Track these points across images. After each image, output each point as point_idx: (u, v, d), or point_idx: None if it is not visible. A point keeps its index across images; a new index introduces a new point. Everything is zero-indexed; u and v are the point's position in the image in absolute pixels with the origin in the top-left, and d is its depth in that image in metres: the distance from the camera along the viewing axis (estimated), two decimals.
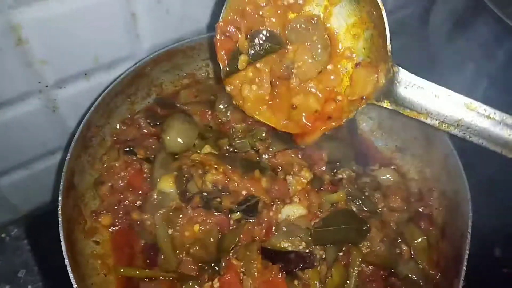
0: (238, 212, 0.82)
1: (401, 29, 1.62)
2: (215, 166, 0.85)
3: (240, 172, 0.84)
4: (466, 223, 0.80)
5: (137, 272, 0.83)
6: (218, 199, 0.84)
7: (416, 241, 0.86)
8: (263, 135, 0.93)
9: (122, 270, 0.84)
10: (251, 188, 0.84)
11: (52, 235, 0.76)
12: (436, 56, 1.29)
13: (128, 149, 0.91)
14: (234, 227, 0.82)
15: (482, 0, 1.05)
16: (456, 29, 1.26)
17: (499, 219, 1.07)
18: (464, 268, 0.76)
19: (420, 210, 0.91)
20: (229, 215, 0.82)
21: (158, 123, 0.96)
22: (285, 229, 0.82)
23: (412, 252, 0.86)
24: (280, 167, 0.90)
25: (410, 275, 0.83)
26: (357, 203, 0.86)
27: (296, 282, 0.78)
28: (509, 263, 1.10)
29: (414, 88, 0.76)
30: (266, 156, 0.90)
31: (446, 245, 0.86)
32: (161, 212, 0.81)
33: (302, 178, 0.84)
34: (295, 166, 0.87)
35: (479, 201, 0.97)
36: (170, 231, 0.81)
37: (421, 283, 0.83)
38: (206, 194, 0.84)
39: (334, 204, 0.85)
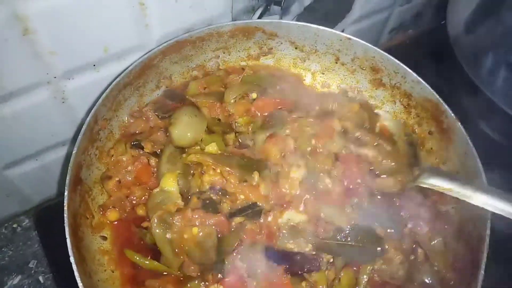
0: (240, 217, 0.81)
1: (419, 18, 1.58)
2: (213, 167, 0.83)
3: (237, 175, 0.83)
4: (484, 224, 0.76)
5: (140, 259, 0.82)
6: (217, 201, 0.82)
7: (432, 242, 0.83)
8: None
9: (126, 251, 0.83)
10: (250, 195, 0.82)
11: (62, 226, 0.75)
12: (455, 46, 1.25)
13: (135, 142, 0.90)
14: (233, 229, 0.81)
15: None
16: (476, 18, 1.21)
17: None
18: (482, 271, 0.73)
19: (436, 209, 0.88)
20: (230, 219, 0.81)
21: (166, 116, 0.94)
22: (288, 232, 0.80)
23: (427, 254, 0.83)
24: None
25: (425, 279, 0.80)
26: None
27: (304, 284, 0.76)
28: None
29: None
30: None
31: (463, 247, 0.83)
32: (159, 213, 0.79)
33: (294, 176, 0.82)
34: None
35: None
36: (168, 234, 0.79)
37: (437, 287, 0.80)
38: (205, 195, 0.83)
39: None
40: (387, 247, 0.80)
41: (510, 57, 1.11)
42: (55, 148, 1.09)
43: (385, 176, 0.91)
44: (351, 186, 0.87)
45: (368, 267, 0.79)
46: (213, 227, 0.79)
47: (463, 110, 1.10)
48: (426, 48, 1.50)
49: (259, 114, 0.96)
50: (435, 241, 0.83)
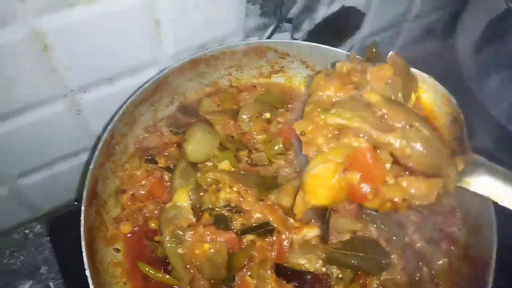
0: (252, 235, 0.83)
1: (428, 35, 1.60)
2: (230, 185, 0.85)
3: (255, 193, 0.84)
4: (490, 247, 0.78)
5: (152, 272, 0.83)
6: (229, 218, 0.84)
7: (437, 262, 0.85)
8: (278, 147, 0.92)
9: (139, 264, 0.84)
10: (268, 216, 0.83)
11: (73, 235, 0.77)
12: (463, 64, 1.27)
13: (149, 157, 0.92)
14: (244, 246, 0.82)
15: None
16: (485, 39, 1.23)
17: None
18: None
19: (443, 230, 0.89)
20: (241, 236, 0.83)
21: (180, 131, 0.96)
22: (300, 248, 0.82)
23: (432, 274, 0.84)
24: None
25: None
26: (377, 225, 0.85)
27: None
28: None
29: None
30: (285, 171, 0.90)
31: (468, 268, 0.84)
32: (171, 228, 0.81)
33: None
34: None
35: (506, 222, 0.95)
36: (180, 249, 0.81)
37: None
38: (218, 211, 0.84)
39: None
40: (390, 260, 0.81)
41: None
42: (68, 158, 1.11)
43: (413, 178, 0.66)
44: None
45: (375, 281, 0.80)
46: (224, 243, 0.81)
47: (468, 128, 1.12)
48: (434, 65, 1.52)
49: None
50: (441, 262, 0.85)
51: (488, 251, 0.77)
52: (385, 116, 0.66)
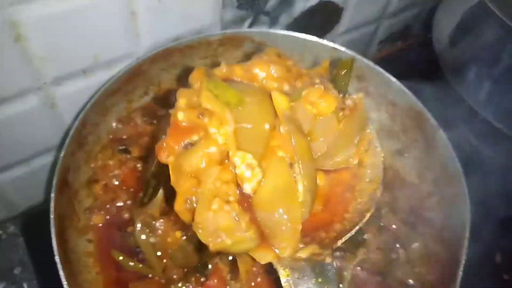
0: None
1: (405, 31, 1.62)
2: None
3: None
4: (464, 227, 0.78)
5: (125, 261, 0.82)
6: None
7: (413, 245, 0.85)
8: None
9: (113, 252, 0.82)
10: None
11: (48, 232, 0.75)
12: (440, 57, 1.28)
13: (122, 147, 0.91)
14: None
15: (485, 3, 1.04)
16: (459, 32, 1.25)
17: (500, 225, 1.05)
18: (460, 273, 0.74)
19: (419, 214, 0.90)
20: None
21: (154, 122, 0.96)
22: None
23: (408, 256, 0.84)
24: None
25: (405, 279, 0.81)
26: None
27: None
28: (510, 269, 1.08)
29: None
30: None
31: (444, 250, 0.84)
32: (142, 217, 0.80)
33: None
34: None
35: (480, 206, 0.96)
36: (152, 238, 0.80)
37: None
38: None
39: None
40: (365, 237, 0.80)
41: (491, 70, 1.14)
42: (43, 154, 1.09)
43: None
44: None
45: (352, 263, 0.80)
46: None
47: (448, 119, 1.13)
48: (414, 60, 1.54)
49: None
50: (417, 243, 0.85)
51: (462, 230, 0.78)
52: None
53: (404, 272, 0.82)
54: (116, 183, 0.89)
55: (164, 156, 0.54)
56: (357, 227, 0.56)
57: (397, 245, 0.84)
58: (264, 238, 0.50)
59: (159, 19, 1.02)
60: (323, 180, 0.59)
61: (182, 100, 0.57)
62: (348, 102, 0.60)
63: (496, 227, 1.03)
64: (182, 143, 0.53)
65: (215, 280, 0.76)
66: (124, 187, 0.89)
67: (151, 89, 1.03)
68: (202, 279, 0.77)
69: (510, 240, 1.10)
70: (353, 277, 0.79)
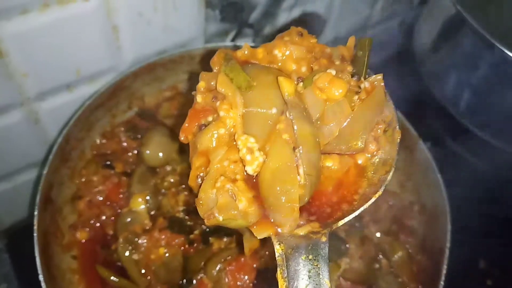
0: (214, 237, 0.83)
1: (387, 40, 1.64)
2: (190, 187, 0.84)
3: None
4: (445, 236, 0.80)
5: (110, 277, 0.82)
6: (188, 222, 0.84)
7: (396, 255, 0.86)
8: None
9: (98, 268, 0.83)
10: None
11: (33, 248, 0.75)
12: (420, 67, 1.31)
13: (106, 163, 0.91)
14: (200, 248, 0.83)
15: (462, 14, 1.06)
16: (439, 41, 1.27)
17: (484, 232, 1.07)
18: (442, 283, 0.75)
19: (401, 223, 0.91)
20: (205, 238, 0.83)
21: (138, 136, 0.96)
22: None
23: (392, 266, 0.85)
24: None
25: None
26: None
27: None
28: (493, 275, 1.10)
29: None
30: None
31: (426, 259, 0.86)
32: (124, 235, 0.81)
33: None
34: None
35: (463, 213, 0.98)
36: (135, 255, 0.80)
37: None
38: (172, 214, 0.84)
39: None
40: (348, 246, 0.81)
41: (470, 79, 1.16)
42: (27, 170, 1.09)
43: None
44: None
45: (337, 273, 0.80)
46: (179, 247, 0.81)
47: (428, 127, 1.15)
48: (395, 68, 1.56)
49: None
50: (399, 253, 0.86)
51: (443, 239, 0.79)
52: None
53: (387, 281, 0.83)
54: (100, 198, 0.89)
55: (185, 136, 0.57)
56: (361, 209, 0.55)
57: (380, 255, 0.85)
58: (266, 215, 0.52)
59: (141, 33, 1.02)
60: (337, 163, 0.59)
61: (202, 83, 0.58)
62: (365, 84, 0.58)
63: (479, 234, 1.05)
64: (199, 124, 0.56)
65: None
66: (108, 203, 0.89)
67: (135, 103, 1.03)
68: None
69: (493, 246, 1.12)
70: (337, 287, 0.80)
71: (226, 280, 0.76)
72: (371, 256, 0.83)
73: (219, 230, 0.84)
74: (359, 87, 0.57)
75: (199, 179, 0.54)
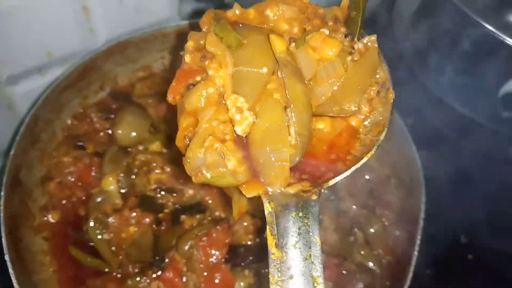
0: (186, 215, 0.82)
1: (370, 19, 1.62)
2: (161, 165, 0.84)
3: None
4: (419, 208, 0.79)
5: (83, 256, 0.82)
6: (160, 200, 0.84)
7: (372, 228, 0.85)
8: None
9: (71, 248, 0.82)
10: (204, 196, 0.84)
11: None
12: (401, 45, 1.29)
13: (78, 143, 0.90)
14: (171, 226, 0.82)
15: None
16: (419, 18, 1.26)
17: (465, 207, 1.07)
18: (415, 253, 0.75)
19: (378, 196, 0.90)
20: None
21: (111, 117, 0.94)
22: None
23: (367, 239, 0.85)
24: None
25: (364, 262, 0.82)
26: None
27: (246, 272, 0.77)
28: (474, 250, 1.09)
29: None
30: None
31: (402, 232, 0.85)
32: (94, 215, 0.80)
33: None
34: None
35: (445, 189, 0.97)
36: (105, 234, 0.80)
37: (377, 270, 0.82)
38: (143, 193, 0.83)
39: None
40: (321, 217, 0.80)
41: (451, 56, 1.15)
42: (2, 157, 1.07)
43: None
44: None
45: None
46: (149, 225, 0.80)
47: (409, 105, 1.14)
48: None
49: None
50: (375, 226, 0.85)
51: (417, 211, 0.78)
52: None
53: (363, 254, 0.83)
54: (72, 179, 0.88)
55: (172, 97, 0.57)
56: (352, 169, 0.55)
57: (355, 229, 0.84)
58: (256, 174, 0.52)
59: (113, 14, 1.00)
60: (329, 126, 0.58)
61: (190, 42, 0.56)
62: (358, 45, 0.57)
63: (460, 208, 1.05)
64: (186, 84, 0.55)
65: (171, 273, 0.76)
66: (80, 184, 0.88)
67: (108, 84, 1.01)
68: (159, 273, 0.77)
69: (474, 221, 1.11)
70: None
71: (198, 256, 0.75)
72: (346, 229, 0.83)
73: (191, 208, 0.83)
74: (353, 48, 0.57)
75: (187, 140, 0.53)
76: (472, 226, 1.11)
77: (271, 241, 0.49)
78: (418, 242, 0.75)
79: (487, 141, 1.17)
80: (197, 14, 1.15)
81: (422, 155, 0.95)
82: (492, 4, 1.02)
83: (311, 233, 0.50)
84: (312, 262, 0.49)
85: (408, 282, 0.73)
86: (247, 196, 0.52)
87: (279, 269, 0.48)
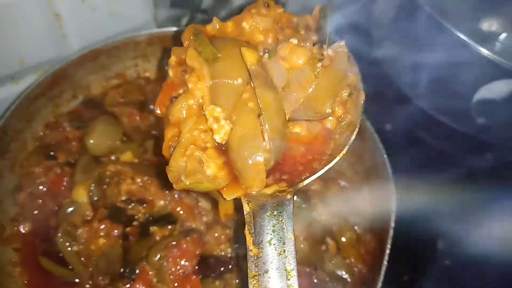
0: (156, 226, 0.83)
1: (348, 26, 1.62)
2: (131, 176, 0.84)
3: (158, 184, 0.84)
4: (389, 216, 0.79)
5: (54, 267, 0.81)
6: (131, 211, 0.84)
7: (344, 237, 0.86)
8: None
9: (40, 258, 0.82)
10: (175, 207, 0.84)
11: None
12: (377, 47, 1.30)
13: (49, 153, 0.89)
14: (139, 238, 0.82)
15: None
16: (395, 21, 1.26)
17: (441, 213, 1.07)
18: (385, 262, 0.75)
19: (350, 204, 0.91)
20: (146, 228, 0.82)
21: (83, 126, 0.93)
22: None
23: (339, 248, 0.85)
24: None
25: (336, 270, 0.82)
26: None
27: (217, 283, 0.77)
28: (451, 255, 1.10)
29: None
30: None
31: (373, 240, 0.85)
32: (63, 226, 0.80)
33: None
34: None
35: (421, 194, 0.97)
36: (75, 246, 0.80)
37: (348, 279, 0.82)
38: (113, 204, 0.83)
39: None
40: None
41: (425, 60, 1.15)
42: None
43: None
44: None
45: None
46: (118, 237, 0.80)
47: (386, 109, 1.14)
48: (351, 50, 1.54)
49: None
50: (347, 235, 0.86)
51: (387, 219, 0.79)
52: None
53: (335, 263, 0.83)
54: (44, 189, 0.87)
55: (159, 109, 0.60)
56: (325, 168, 0.58)
57: (327, 238, 0.84)
58: (236, 178, 0.56)
59: (85, 20, 1.00)
60: (305, 129, 0.61)
61: (172, 57, 0.60)
62: (328, 52, 0.59)
63: (437, 215, 1.05)
64: (170, 97, 0.59)
65: (141, 284, 0.75)
66: (51, 194, 0.87)
67: (80, 92, 1.00)
68: (129, 284, 0.77)
69: (451, 226, 1.12)
70: None
71: (168, 267, 0.75)
72: (317, 238, 0.83)
73: (162, 219, 0.83)
74: (322, 55, 0.59)
75: (172, 149, 0.57)
76: (448, 232, 1.12)
77: (249, 239, 0.52)
78: (387, 252, 0.76)
79: (463, 146, 1.18)
80: (173, 20, 1.15)
81: (397, 159, 0.96)
82: (464, 12, 1.03)
83: (285, 230, 0.53)
84: (286, 257, 0.52)
85: None
86: (227, 199, 0.56)
87: (256, 264, 0.51)
